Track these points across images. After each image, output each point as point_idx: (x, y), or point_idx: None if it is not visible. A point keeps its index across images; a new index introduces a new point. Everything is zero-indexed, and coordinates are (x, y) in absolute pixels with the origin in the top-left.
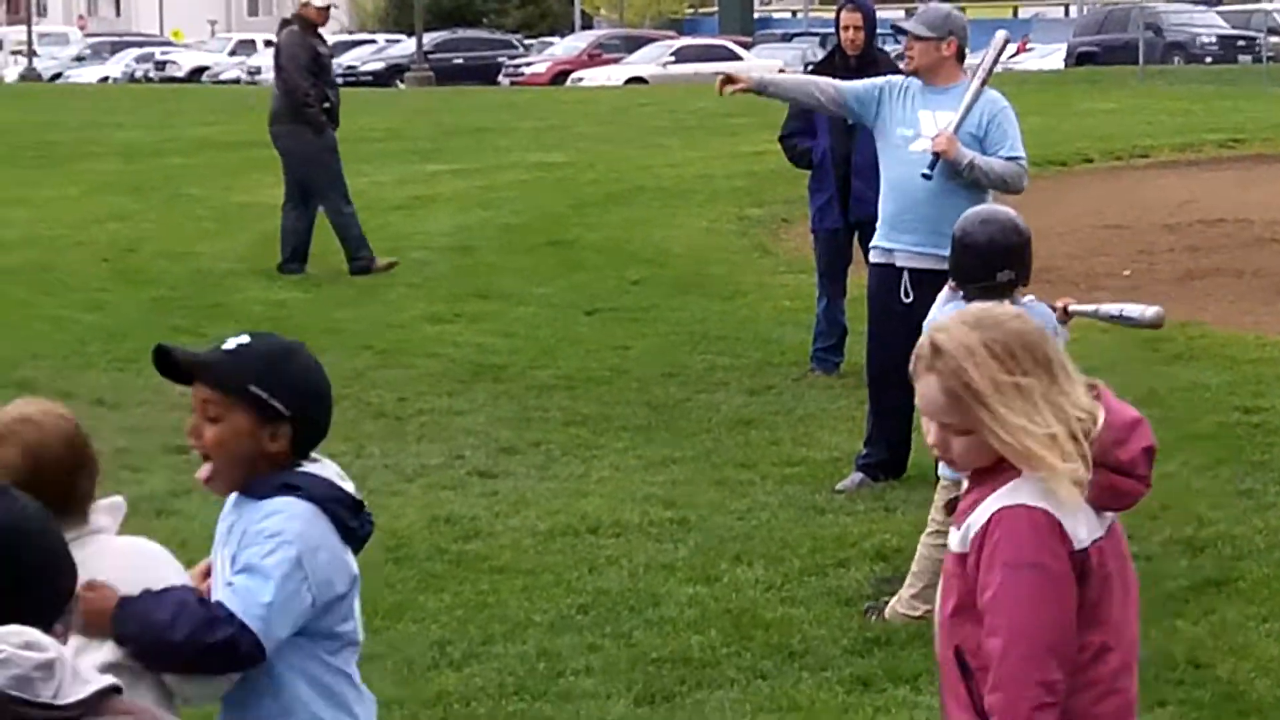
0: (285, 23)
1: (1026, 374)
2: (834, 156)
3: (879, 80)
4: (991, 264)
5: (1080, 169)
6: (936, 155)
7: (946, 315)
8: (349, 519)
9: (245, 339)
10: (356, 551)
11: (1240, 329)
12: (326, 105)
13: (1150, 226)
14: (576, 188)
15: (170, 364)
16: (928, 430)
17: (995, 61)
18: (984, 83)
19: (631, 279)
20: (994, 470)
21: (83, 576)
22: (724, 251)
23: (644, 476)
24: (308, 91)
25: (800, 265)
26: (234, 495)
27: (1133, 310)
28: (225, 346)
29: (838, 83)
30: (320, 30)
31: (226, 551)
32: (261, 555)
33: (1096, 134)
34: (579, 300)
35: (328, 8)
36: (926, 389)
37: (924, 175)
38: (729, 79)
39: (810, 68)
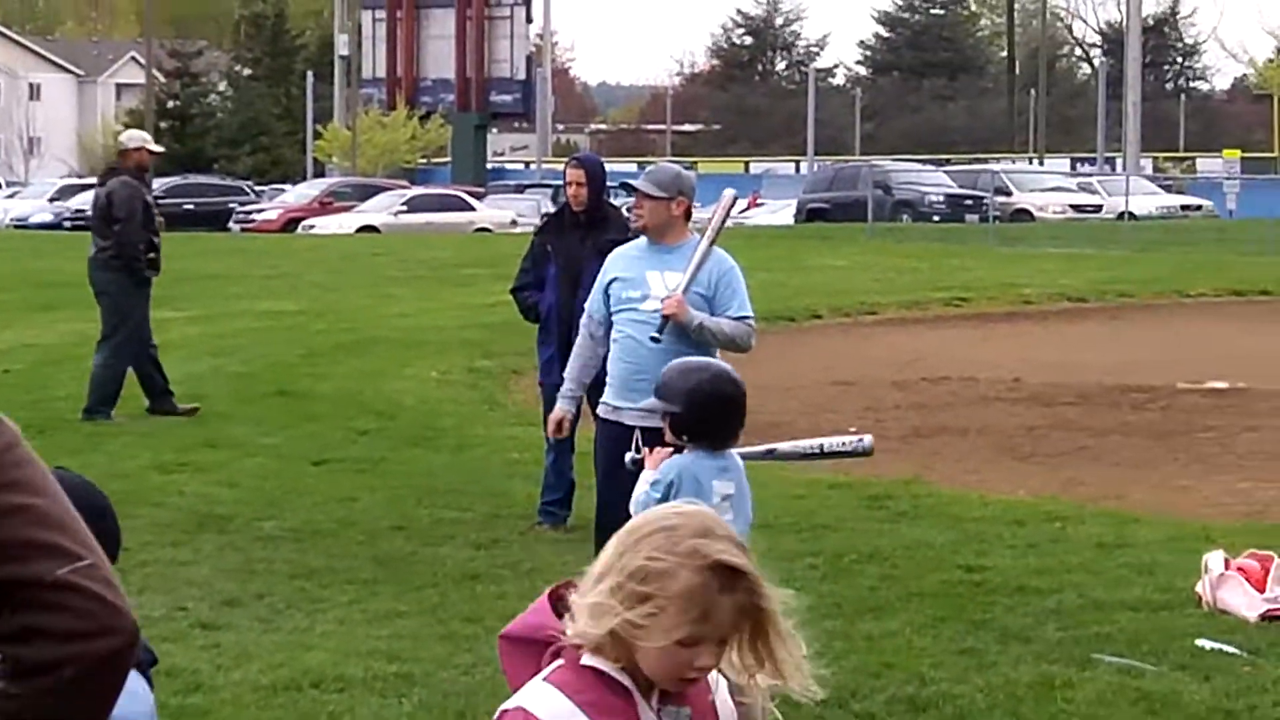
0: (112, 170)
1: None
2: (559, 313)
3: (604, 273)
4: (738, 418)
5: (809, 325)
6: (665, 318)
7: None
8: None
9: None
10: None
11: (965, 487)
12: (152, 255)
13: (878, 383)
14: (307, 337)
15: None
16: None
17: (724, 220)
18: (713, 241)
19: (360, 430)
20: None
21: None
22: (454, 403)
23: (369, 630)
24: (139, 248)
25: (529, 417)
26: None
27: (834, 442)
28: None
29: (585, 327)
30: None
31: None
32: None
33: (826, 290)
34: (307, 451)
35: (161, 152)
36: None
37: (653, 338)
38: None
39: (544, 218)
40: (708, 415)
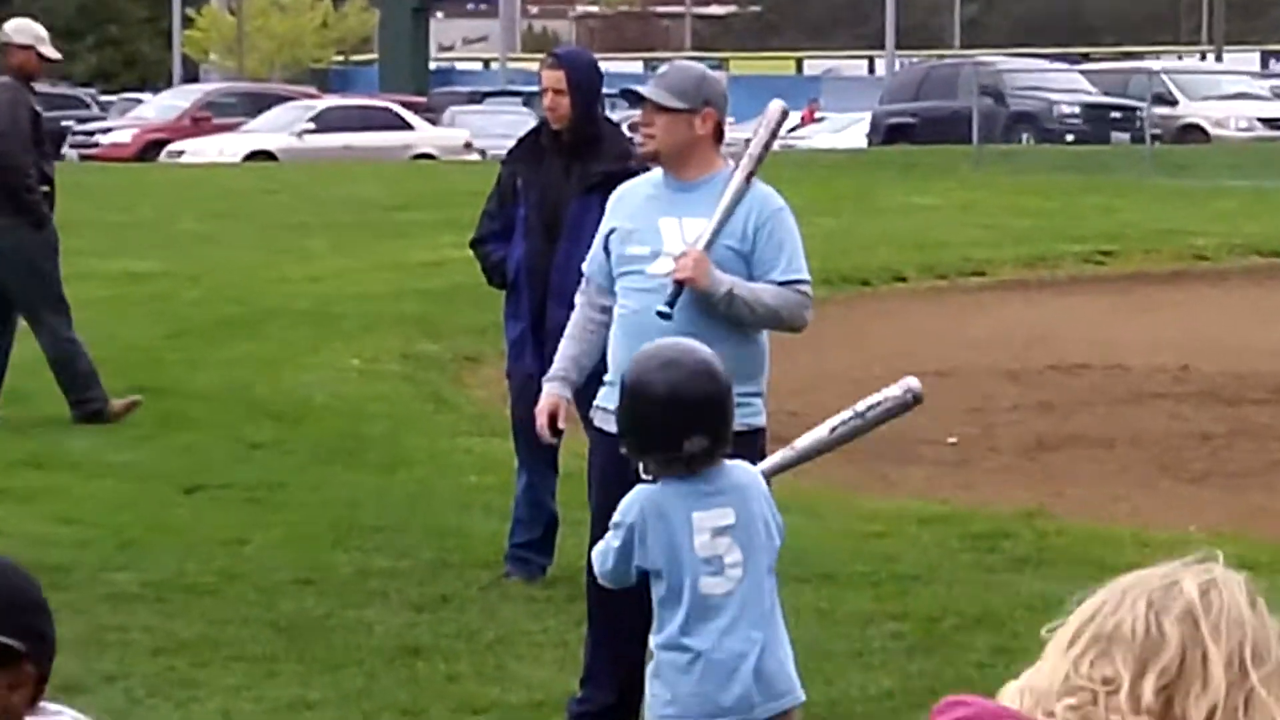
0: None
1: None
2: (529, 273)
3: (604, 224)
4: (674, 427)
5: (888, 291)
6: (680, 284)
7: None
8: None
9: None
10: None
11: (1111, 521)
12: (46, 189)
13: (986, 374)
14: (176, 309)
15: None
16: None
17: (769, 143)
18: (751, 175)
19: (252, 442)
20: None
21: None
22: (385, 403)
23: None
24: (29, 171)
25: (493, 424)
26: None
27: (872, 404)
28: None
29: (583, 297)
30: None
31: None
32: None
33: (912, 241)
34: (176, 472)
35: (57, 60)
36: None
37: (661, 312)
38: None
39: (511, 152)
40: (655, 423)
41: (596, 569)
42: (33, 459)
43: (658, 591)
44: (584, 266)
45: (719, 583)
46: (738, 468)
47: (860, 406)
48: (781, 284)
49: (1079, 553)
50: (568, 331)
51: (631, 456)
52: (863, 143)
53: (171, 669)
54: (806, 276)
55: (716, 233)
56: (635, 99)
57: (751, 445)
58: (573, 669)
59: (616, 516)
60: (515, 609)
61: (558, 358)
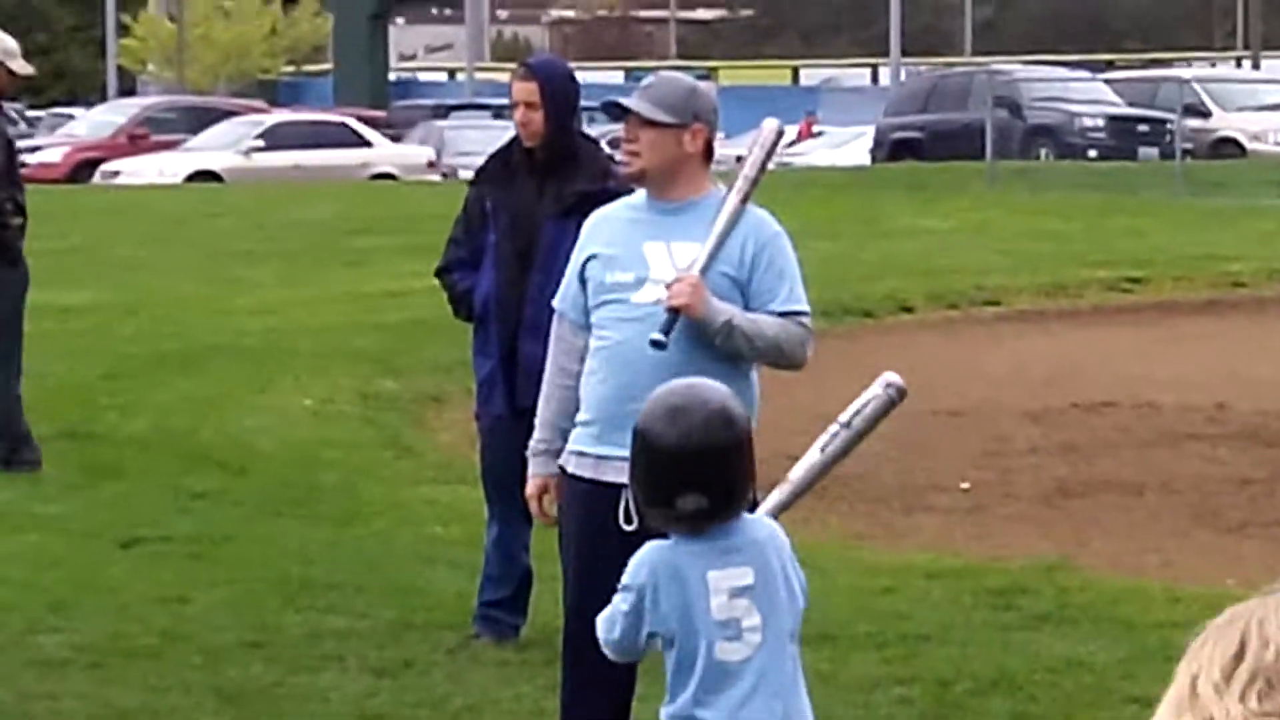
0: None
1: None
2: (500, 305)
3: (579, 248)
4: (662, 482)
5: (894, 322)
6: (674, 312)
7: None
8: None
9: None
10: None
11: (1140, 575)
12: (19, 221)
13: (1003, 412)
14: (111, 345)
15: None
16: None
17: (765, 163)
18: (747, 196)
19: (195, 492)
20: None
21: None
22: (340, 448)
23: None
24: (5, 205)
25: (460, 471)
26: None
27: (858, 409)
28: None
29: (557, 334)
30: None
31: None
32: None
33: (921, 267)
34: (110, 525)
35: (29, 76)
36: None
37: (654, 343)
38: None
39: (479, 171)
40: (643, 476)
41: (602, 638)
42: None
43: (669, 659)
44: (555, 302)
45: (737, 648)
46: (756, 522)
47: (844, 417)
48: (783, 314)
49: (1105, 610)
50: (544, 390)
51: (639, 507)
52: (866, 159)
53: None
54: (807, 308)
55: (711, 258)
56: (618, 112)
57: None
58: None
59: (626, 578)
60: (485, 674)
61: (538, 424)
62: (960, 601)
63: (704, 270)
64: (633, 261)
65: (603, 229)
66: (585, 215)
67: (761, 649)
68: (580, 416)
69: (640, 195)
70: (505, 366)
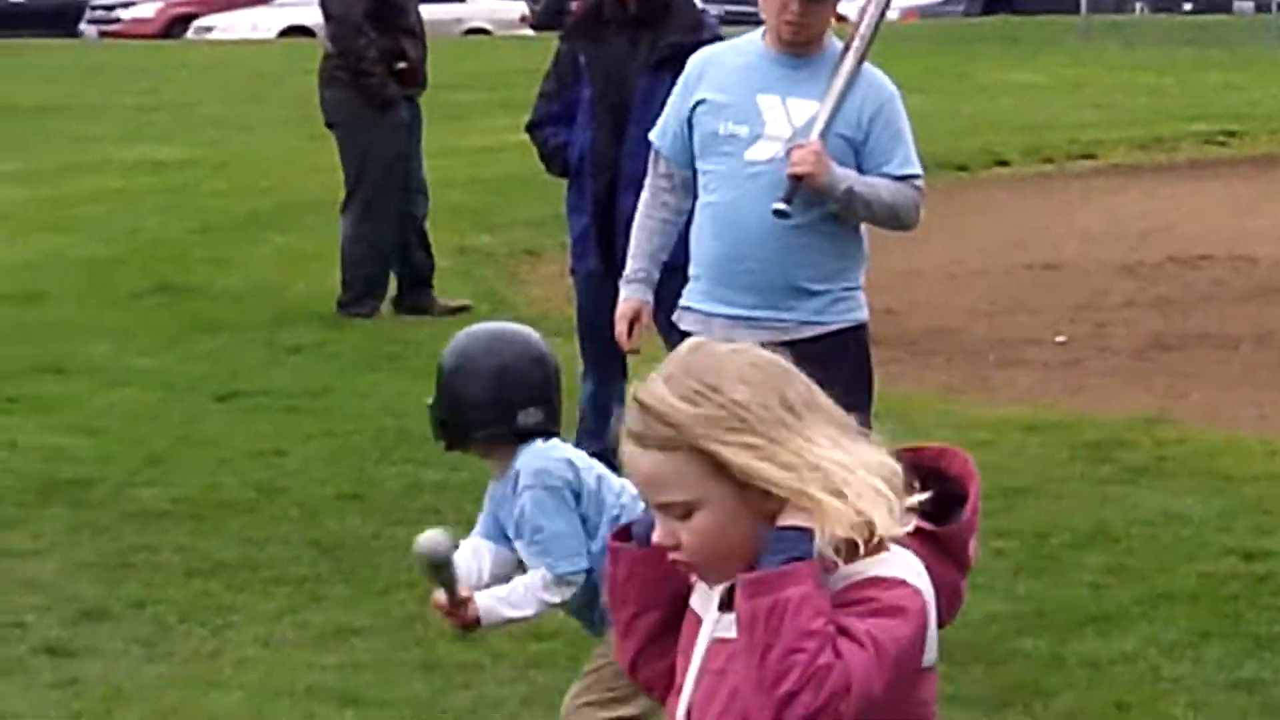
0: None
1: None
2: (595, 160)
3: (684, 88)
4: (510, 400)
5: (988, 176)
6: (797, 179)
7: None
8: None
9: None
10: None
11: (1237, 428)
12: (403, 65)
13: (1098, 267)
14: (203, 201)
15: None
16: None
17: (878, 23)
18: (863, 56)
19: (290, 345)
20: None
21: None
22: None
23: (308, 657)
24: (364, 52)
25: (556, 325)
26: None
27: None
28: None
29: (653, 178)
30: None
31: None
32: None
33: (1015, 122)
34: (207, 378)
35: None
36: None
37: (777, 211)
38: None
39: (571, 25)
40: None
41: None
42: (50, 364)
43: None
44: (653, 136)
45: None
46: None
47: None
48: (898, 178)
49: (1201, 463)
50: (638, 220)
51: (450, 442)
52: (959, 12)
53: (206, 593)
54: (920, 171)
55: (830, 120)
56: None
57: (858, 342)
58: None
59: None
60: None
61: (632, 254)
62: (1057, 455)
63: (824, 132)
64: (747, 114)
65: (712, 73)
66: (680, 68)
67: None
68: (691, 273)
69: (748, 38)
70: (601, 222)
